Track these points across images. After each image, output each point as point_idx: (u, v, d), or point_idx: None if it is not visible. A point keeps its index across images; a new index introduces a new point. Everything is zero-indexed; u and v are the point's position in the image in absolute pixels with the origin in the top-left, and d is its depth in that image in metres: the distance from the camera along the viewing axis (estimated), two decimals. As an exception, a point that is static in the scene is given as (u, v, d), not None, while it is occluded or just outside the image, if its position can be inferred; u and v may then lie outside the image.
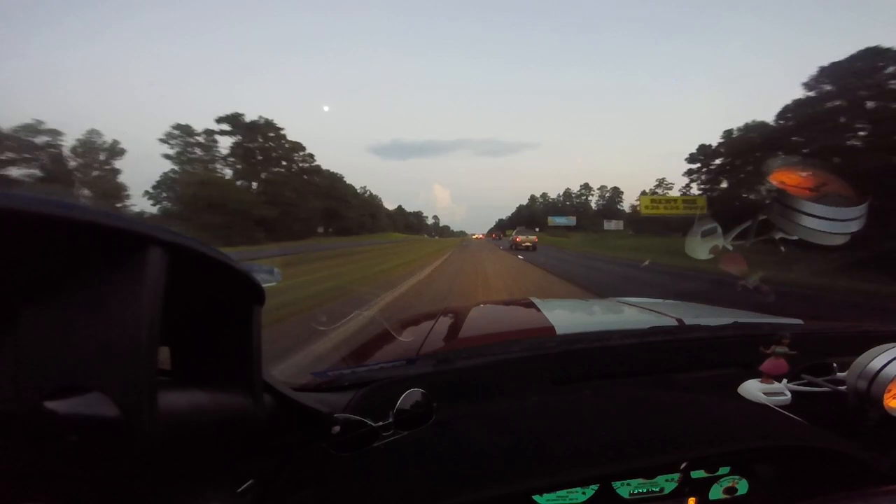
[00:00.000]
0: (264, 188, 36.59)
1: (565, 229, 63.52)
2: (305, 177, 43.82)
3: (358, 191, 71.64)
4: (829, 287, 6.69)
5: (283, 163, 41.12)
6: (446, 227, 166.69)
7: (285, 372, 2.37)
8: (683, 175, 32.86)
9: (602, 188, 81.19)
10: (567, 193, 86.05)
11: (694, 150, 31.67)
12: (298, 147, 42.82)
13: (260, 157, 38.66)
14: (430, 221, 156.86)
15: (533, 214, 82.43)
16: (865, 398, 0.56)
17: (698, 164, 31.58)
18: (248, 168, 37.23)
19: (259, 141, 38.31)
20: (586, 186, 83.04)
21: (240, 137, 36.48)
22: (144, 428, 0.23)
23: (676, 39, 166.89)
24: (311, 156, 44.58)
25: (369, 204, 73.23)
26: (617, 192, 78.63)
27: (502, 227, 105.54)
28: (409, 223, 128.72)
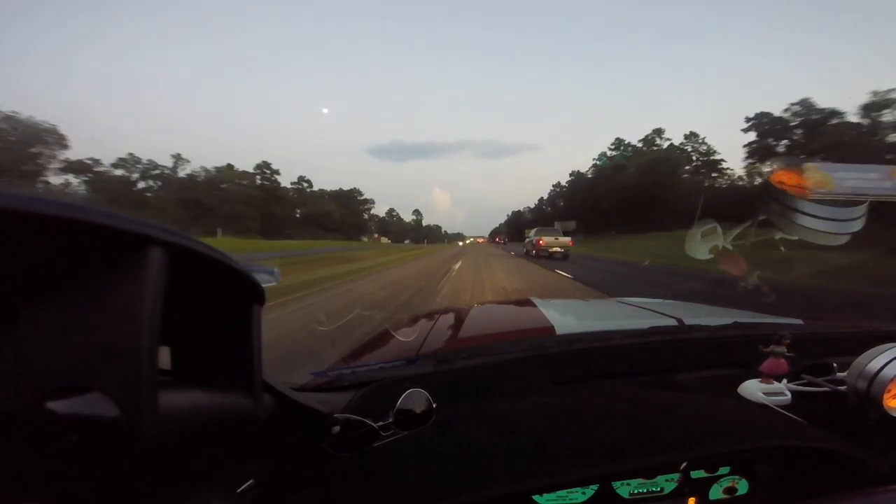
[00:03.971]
0: None
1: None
2: None
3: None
4: (829, 286, 6.66)
5: None
6: (436, 228, 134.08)
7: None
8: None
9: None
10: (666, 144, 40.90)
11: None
12: None
13: None
14: (409, 218, 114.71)
15: (612, 180, 38.30)
16: (865, 398, 0.56)
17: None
18: None
19: None
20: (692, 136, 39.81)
21: None
22: (144, 428, 0.23)
23: (674, 42, 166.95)
24: None
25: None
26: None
27: (520, 224, 70.63)
28: (321, 214, 58.93)
